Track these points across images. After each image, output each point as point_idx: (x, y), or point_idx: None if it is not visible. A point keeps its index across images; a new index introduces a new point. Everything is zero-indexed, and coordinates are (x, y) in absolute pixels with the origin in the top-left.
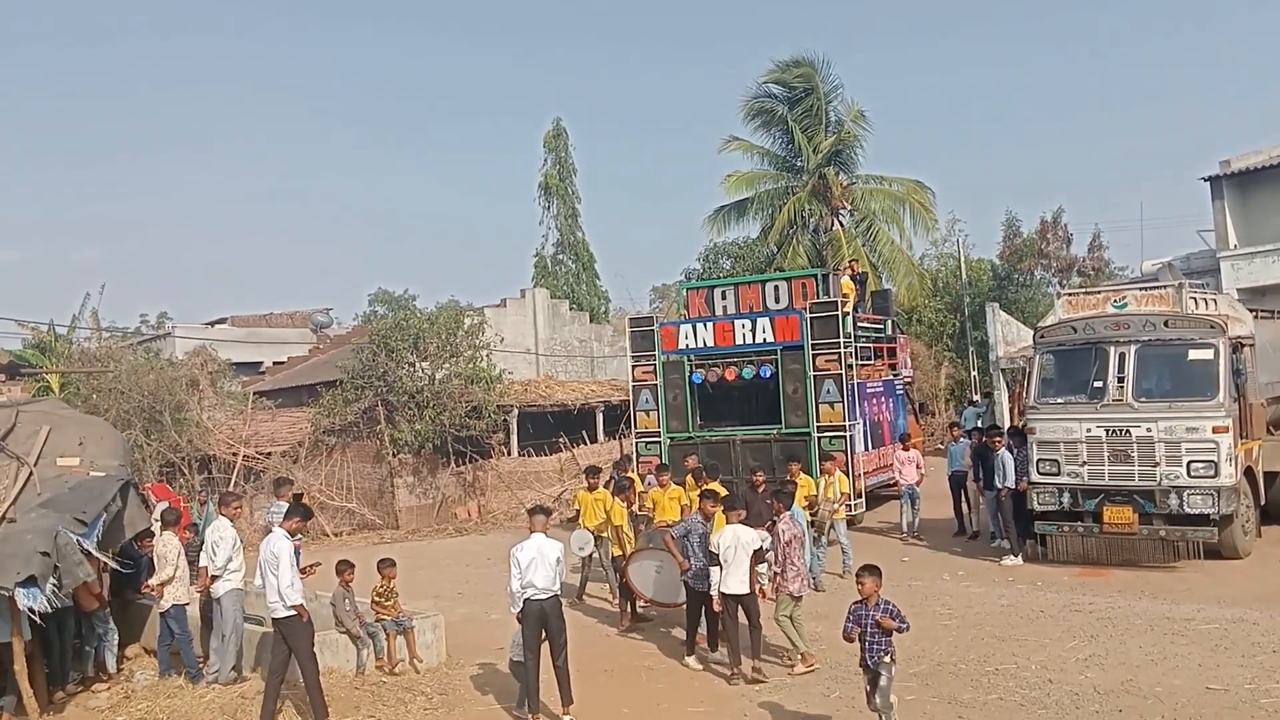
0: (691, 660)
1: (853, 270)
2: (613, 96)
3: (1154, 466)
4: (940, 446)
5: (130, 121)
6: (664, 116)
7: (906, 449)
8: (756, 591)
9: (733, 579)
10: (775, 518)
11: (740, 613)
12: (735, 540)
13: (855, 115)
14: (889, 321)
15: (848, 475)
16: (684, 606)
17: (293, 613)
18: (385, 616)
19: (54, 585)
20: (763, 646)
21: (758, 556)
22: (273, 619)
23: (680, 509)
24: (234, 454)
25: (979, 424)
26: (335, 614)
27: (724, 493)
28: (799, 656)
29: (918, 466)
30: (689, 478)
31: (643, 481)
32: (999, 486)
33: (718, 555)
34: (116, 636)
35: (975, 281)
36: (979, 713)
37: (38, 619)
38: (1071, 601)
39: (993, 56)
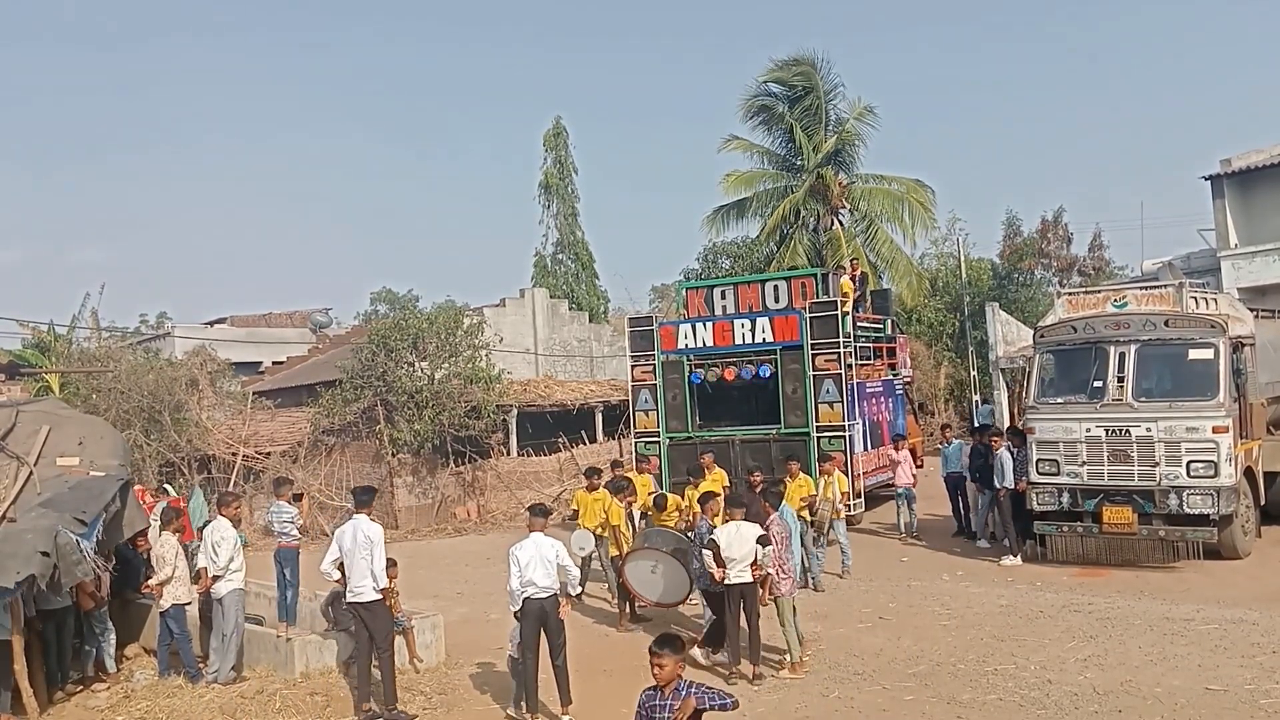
0: (698, 653)
1: (853, 271)
2: (613, 96)
3: (1154, 466)
4: (939, 447)
5: (130, 121)
6: (664, 116)
7: (899, 449)
8: (757, 578)
9: (734, 571)
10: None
11: (740, 612)
12: (737, 535)
13: (860, 112)
14: (888, 321)
15: (847, 475)
16: (679, 607)
17: (379, 596)
18: None
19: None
20: (760, 648)
21: (763, 540)
22: (356, 603)
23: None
24: (233, 454)
25: (991, 421)
26: (332, 613)
27: (721, 492)
28: (791, 663)
29: (912, 468)
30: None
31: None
32: (997, 487)
33: (717, 544)
34: (114, 636)
35: (975, 281)
36: (978, 713)
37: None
38: (1071, 602)
39: (993, 56)
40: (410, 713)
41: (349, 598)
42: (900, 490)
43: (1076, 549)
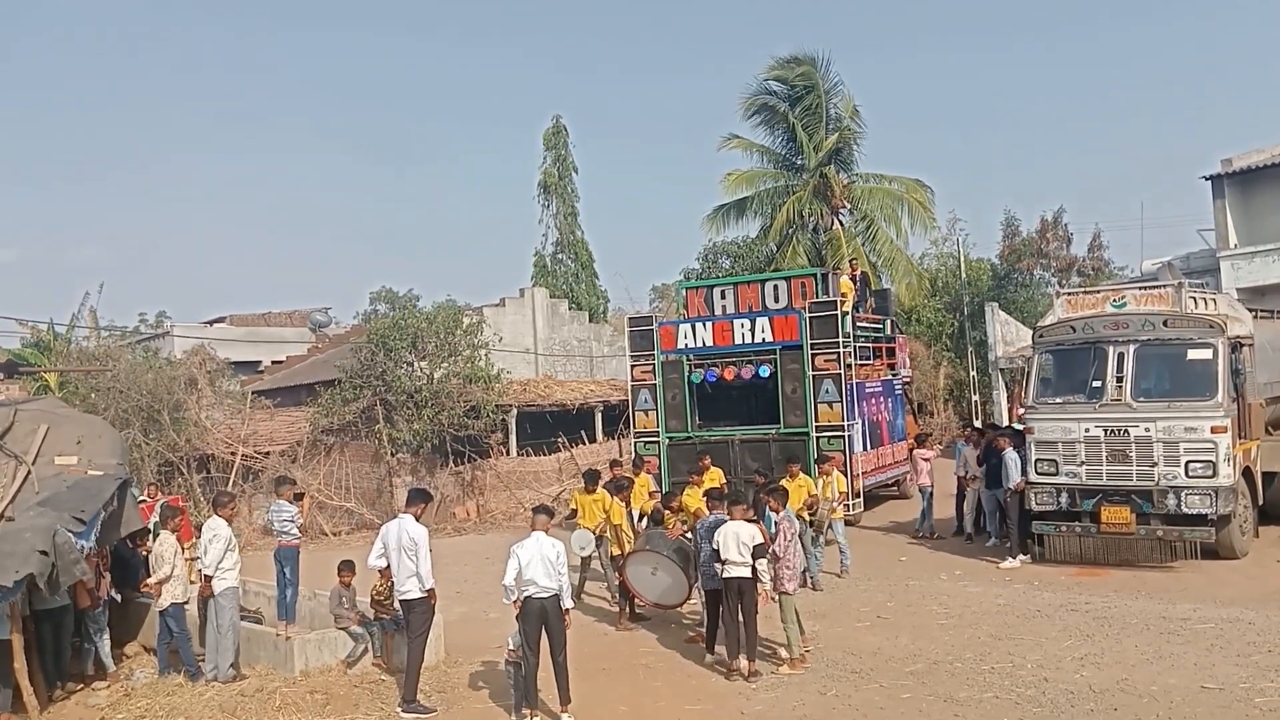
0: (710, 656)
1: (853, 271)
2: (612, 95)
3: (1152, 466)
4: (939, 446)
5: (129, 122)
6: (664, 115)
7: (928, 447)
8: (755, 581)
9: (732, 567)
10: (774, 514)
11: (738, 608)
12: (736, 537)
13: (851, 112)
14: (888, 321)
15: (846, 475)
16: (679, 609)
17: (426, 595)
18: (384, 616)
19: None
20: (757, 645)
21: (759, 551)
22: (402, 600)
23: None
24: (232, 453)
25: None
26: (332, 612)
27: (722, 487)
28: (790, 659)
29: (929, 463)
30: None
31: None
32: (1004, 487)
33: (718, 551)
34: (108, 635)
35: (975, 281)
36: (975, 711)
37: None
38: (1068, 601)
39: (993, 56)
40: (429, 706)
41: (396, 596)
42: (926, 489)
43: (1074, 549)
